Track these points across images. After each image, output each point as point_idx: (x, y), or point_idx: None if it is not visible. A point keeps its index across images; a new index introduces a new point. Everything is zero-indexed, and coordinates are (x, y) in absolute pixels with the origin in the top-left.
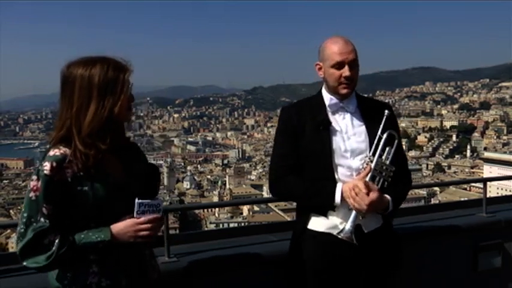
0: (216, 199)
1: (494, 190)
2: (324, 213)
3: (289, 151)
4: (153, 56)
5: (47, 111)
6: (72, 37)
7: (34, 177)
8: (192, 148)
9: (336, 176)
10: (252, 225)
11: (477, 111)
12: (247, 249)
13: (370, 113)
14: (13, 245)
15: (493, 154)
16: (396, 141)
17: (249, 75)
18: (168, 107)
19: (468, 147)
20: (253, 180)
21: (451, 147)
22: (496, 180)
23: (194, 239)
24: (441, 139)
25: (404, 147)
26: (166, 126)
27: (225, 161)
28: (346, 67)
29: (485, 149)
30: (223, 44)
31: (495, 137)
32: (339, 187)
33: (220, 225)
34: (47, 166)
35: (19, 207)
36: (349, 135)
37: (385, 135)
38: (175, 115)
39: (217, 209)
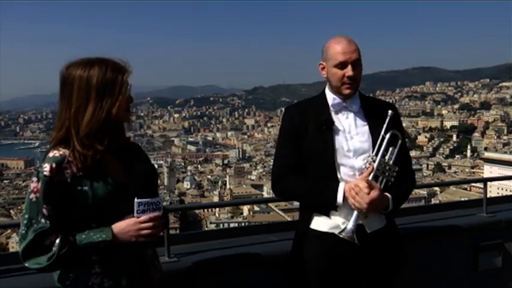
0: (216, 199)
1: (494, 190)
2: (326, 213)
3: (291, 151)
4: (153, 56)
5: (47, 111)
6: (72, 37)
7: (34, 178)
8: (193, 148)
9: (339, 176)
10: (253, 225)
11: (477, 111)
12: (248, 249)
13: (373, 113)
14: (13, 245)
15: (494, 154)
16: (400, 141)
17: (249, 75)
18: (169, 107)
19: (468, 147)
20: (253, 180)
21: (452, 147)
22: (497, 180)
23: (194, 239)
24: (441, 139)
25: None
26: (166, 126)
27: (226, 161)
28: (349, 67)
29: (485, 149)
30: (223, 44)
31: (495, 137)
32: (341, 187)
33: (221, 225)
34: (46, 167)
35: (19, 207)
36: (352, 134)
37: (388, 135)
38: (176, 115)
39: (217, 209)
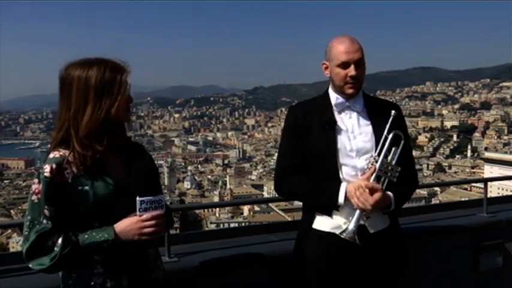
0: (216, 199)
1: (495, 190)
2: (328, 213)
3: (294, 150)
4: (153, 56)
5: (47, 111)
6: (72, 37)
7: (35, 180)
8: (193, 148)
9: (341, 176)
10: (253, 225)
11: (478, 111)
12: (248, 249)
13: (377, 113)
14: (14, 245)
15: (494, 154)
16: (403, 142)
17: (250, 75)
18: (169, 107)
19: (469, 147)
20: (253, 180)
21: (452, 147)
22: (497, 181)
23: (195, 239)
24: (442, 139)
25: None
26: (166, 126)
27: (226, 161)
28: (352, 66)
29: (485, 149)
30: (224, 44)
31: (496, 137)
32: (343, 187)
33: (221, 225)
34: (47, 169)
35: (20, 207)
36: (355, 134)
37: (391, 135)
38: (176, 115)
39: (217, 209)
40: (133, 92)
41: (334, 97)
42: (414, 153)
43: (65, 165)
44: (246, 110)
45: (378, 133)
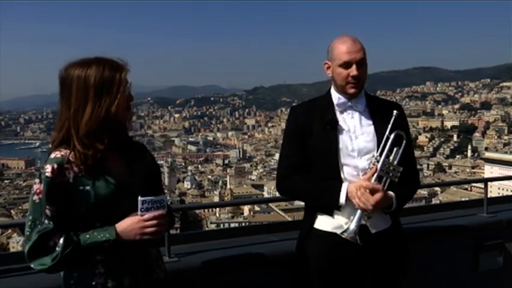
0: (216, 199)
1: (495, 190)
2: (329, 213)
3: (295, 151)
4: (153, 56)
5: (47, 111)
6: (72, 37)
7: (37, 180)
8: (193, 148)
9: (342, 176)
10: (253, 225)
11: (478, 111)
12: (248, 249)
13: (379, 113)
14: (14, 245)
15: (494, 154)
16: (404, 142)
17: (250, 75)
18: (169, 107)
19: (469, 147)
20: (254, 180)
21: (452, 147)
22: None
23: (195, 239)
24: (442, 139)
25: None
26: (167, 126)
27: (226, 161)
28: (354, 66)
29: (486, 149)
30: (224, 44)
31: (496, 137)
32: (344, 187)
33: (221, 225)
34: (48, 169)
35: (20, 207)
36: (357, 134)
37: (392, 136)
38: (176, 115)
39: (218, 209)
40: (134, 92)
41: (336, 97)
42: (415, 153)
43: (66, 165)
44: (246, 110)
45: (379, 133)
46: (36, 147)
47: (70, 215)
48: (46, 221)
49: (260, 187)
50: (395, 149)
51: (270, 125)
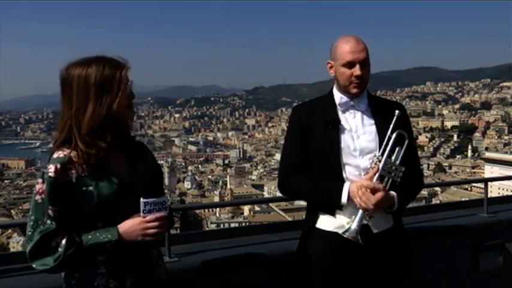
0: (217, 199)
1: (495, 190)
2: (331, 213)
3: (297, 151)
4: (153, 56)
5: (48, 111)
6: (72, 37)
7: (39, 180)
8: (193, 148)
9: (344, 175)
10: (253, 225)
11: (478, 111)
12: (248, 249)
13: (381, 112)
14: (14, 245)
15: (494, 154)
16: (407, 141)
17: (250, 75)
18: (169, 107)
19: (469, 147)
20: (254, 180)
21: (452, 147)
22: (497, 181)
23: (195, 239)
24: (442, 139)
25: None
26: (167, 126)
27: (226, 161)
28: (357, 66)
29: (486, 149)
30: (223, 44)
31: (496, 137)
32: (346, 186)
33: (221, 225)
34: (51, 169)
35: (20, 207)
36: (359, 134)
37: (394, 135)
38: (176, 115)
39: (218, 209)
40: (134, 91)
41: (338, 96)
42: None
43: (69, 165)
44: (247, 110)
45: (381, 133)
46: (37, 147)
47: (72, 215)
48: (48, 221)
49: (260, 187)
50: (397, 148)
51: (270, 125)
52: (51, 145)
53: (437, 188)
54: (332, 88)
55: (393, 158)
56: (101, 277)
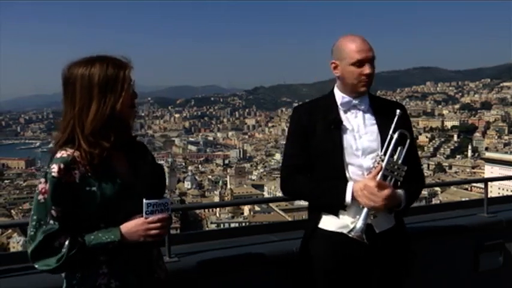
0: (217, 199)
1: (495, 190)
2: (334, 213)
3: (298, 151)
4: (153, 56)
5: (48, 111)
6: (72, 37)
7: (42, 179)
8: (193, 148)
9: (347, 175)
10: (253, 225)
11: (478, 111)
12: (248, 249)
13: (382, 112)
14: (14, 245)
15: (494, 154)
16: (408, 141)
17: (250, 75)
18: (169, 107)
19: (469, 147)
20: (254, 180)
21: (452, 147)
22: (497, 181)
23: (195, 239)
24: (442, 139)
25: None
26: (167, 126)
27: (226, 161)
28: (367, 65)
29: (486, 149)
30: (223, 44)
31: (496, 137)
32: (349, 186)
33: (221, 225)
34: (54, 168)
35: (20, 207)
36: (360, 133)
37: (396, 135)
38: (176, 115)
39: (218, 209)
40: (135, 90)
41: (340, 96)
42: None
43: (72, 165)
44: (247, 110)
45: (383, 132)
46: (37, 147)
47: (75, 215)
48: (51, 222)
49: (260, 187)
50: (399, 148)
51: (270, 125)
52: (51, 145)
53: (437, 188)
54: (333, 88)
55: (395, 157)
56: (103, 277)
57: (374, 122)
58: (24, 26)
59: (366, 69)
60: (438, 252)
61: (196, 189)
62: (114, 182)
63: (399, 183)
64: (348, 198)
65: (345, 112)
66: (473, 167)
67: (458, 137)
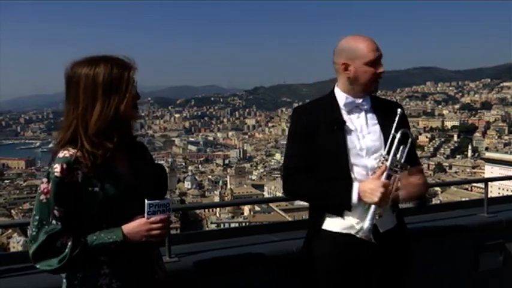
0: (217, 199)
1: (495, 190)
2: (339, 214)
3: (299, 152)
4: (153, 56)
5: (48, 111)
6: (72, 37)
7: (44, 179)
8: (193, 148)
9: (353, 176)
10: (253, 225)
11: (478, 111)
12: (249, 249)
13: (383, 112)
14: (14, 245)
15: (495, 154)
16: (410, 140)
17: (250, 75)
18: (169, 107)
19: (469, 147)
20: (254, 180)
21: (452, 147)
22: (498, 181)
23: (195, 239)
24: (442, 139)
25: None
26: (167, 126)
27: (226, 161)
28: (381, 64)
29: (486, 149)
30: (223, 44)
31: (496, 137)
32: (355, 186)
33: (221, 225)
34: (57, 168)
35: (20, 207)
36: (364, 134)
37: (398, 134)
38: (177, 115)
39: (218, 209)
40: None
41: (342, 97)
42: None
43: (75, 165)
44: (247, 110)
45: (385, 132)
46: (37, 147)
47: (77, 215)
48: (54, 222)
49: (260, 187)
50: (401, 147)
51: (270, 125)
52: (51, 145)
53: (438, 188)
54: (333, 88)
55: (398, 156)
56: (104, 277)
57: (376, 121)
58: (24, 26)
59: (380, 68)
60: (438, 252)
61: (196, 189)
62: (116, 183)
63: None
64: (354, 198)
65: (348, 112)
66: (473, 167)
67: (458, 137)
